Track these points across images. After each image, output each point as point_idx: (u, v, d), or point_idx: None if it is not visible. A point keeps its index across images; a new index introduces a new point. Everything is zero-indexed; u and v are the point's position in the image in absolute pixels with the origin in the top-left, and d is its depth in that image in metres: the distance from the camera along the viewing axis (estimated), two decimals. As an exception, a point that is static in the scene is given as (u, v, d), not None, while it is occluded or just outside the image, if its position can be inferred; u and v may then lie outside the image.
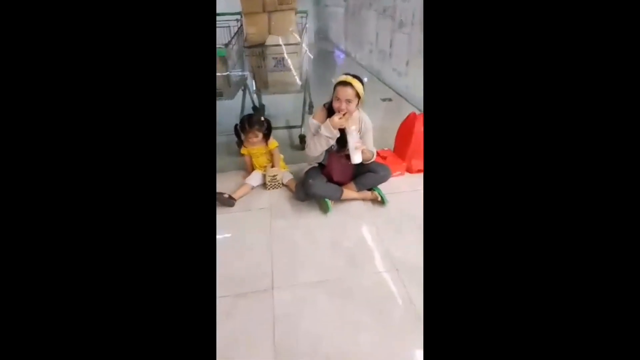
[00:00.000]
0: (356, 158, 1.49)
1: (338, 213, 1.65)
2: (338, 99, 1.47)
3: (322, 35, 6.61)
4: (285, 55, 1.84)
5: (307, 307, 1.18)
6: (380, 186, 1.72)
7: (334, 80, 1.52)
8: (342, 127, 1.48)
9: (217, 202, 1.69)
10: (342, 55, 5.42)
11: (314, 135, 1.54)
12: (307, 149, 1.59)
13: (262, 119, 1.88)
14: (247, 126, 1.82)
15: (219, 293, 1.24)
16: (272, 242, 1.48)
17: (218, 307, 1.18)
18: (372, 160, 1.66)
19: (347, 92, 1.45)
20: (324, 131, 1.49)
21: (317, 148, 1.54)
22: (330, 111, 1.55)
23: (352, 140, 1.48)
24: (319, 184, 1.62)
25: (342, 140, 1.55)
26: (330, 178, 1.66)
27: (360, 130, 1.54)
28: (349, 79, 1.46)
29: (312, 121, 1.57)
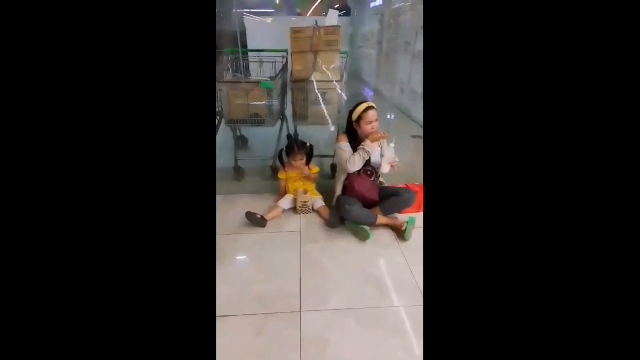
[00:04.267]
0: (385, 169, 1.77)
1: (367, 242, 1.67)
2: (370, 122, 1.68)
3: (354, 74, 6.95)
4: (327, 91, 1.98)
5: (335, 333, 1.18)
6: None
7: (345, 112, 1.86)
8: (378, 140, 1.71)
9: (249, 221, 1.77)
10: (371, 93, 5.66)
11: (354, 153, 1.70)
12: (350, 165, 1.68)
13: (307, 144, 2.01)
14: (295, 148, 1.95)
15: (250, 310, 1.27)
16: (301, 265, 1.52)
17: (249, 324, 1.21)
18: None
19: (375, 113, 1.70)
20: (368, 148, 1.68)
21: (361, 162, 1.70)
22: (349, 134, 1.77)
23: (389, 153, 1.75)
24: (356, 209, 1.68)
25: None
26: (361, 197, 1.73)
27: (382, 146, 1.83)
28: (370, 103, 1.71)
29: (344, 143, 1.75)
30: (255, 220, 1.77)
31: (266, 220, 1.79)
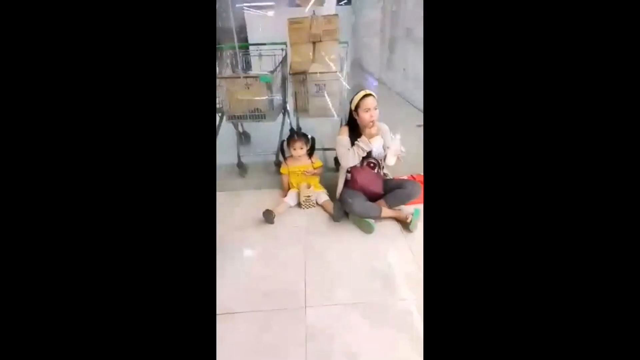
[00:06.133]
0: (391, 161, 1.65)
1: (373, 235, 1.65)
2: (368, 109, 1.62)
3: (357, 65, 6.85)
4: (327, 82, 1.94)
5: (341, 327, 1.17)
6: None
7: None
8: (375, 135, 1.64)
9: (265, 219, 1.75)
10: (375, 83, 5.57)
11: (350, 148, 1.68)
12: (344, 161, 1.68)
13: (309, 136, 2.00)
14: (295, 136, 1.95)
15: (256, 307, 1.27)
16: (306, 260, 1.51)
17: (255, 321, 1.21)
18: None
19: (373, 101, 1.64)
20: (362, 145, 1.64)
21: (355, 159, 1.67)
22: (350, 126, 1.72)
23: (395, 145, 1.64)
24: (359, 203, 1.65)
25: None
26: (365, 191, 1.71)
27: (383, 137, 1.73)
28: (368, 91, 1.66)
29: (342, 137, 1.72)
30: (270, 219, 1.75)
31: (274, 216, 1.78)
